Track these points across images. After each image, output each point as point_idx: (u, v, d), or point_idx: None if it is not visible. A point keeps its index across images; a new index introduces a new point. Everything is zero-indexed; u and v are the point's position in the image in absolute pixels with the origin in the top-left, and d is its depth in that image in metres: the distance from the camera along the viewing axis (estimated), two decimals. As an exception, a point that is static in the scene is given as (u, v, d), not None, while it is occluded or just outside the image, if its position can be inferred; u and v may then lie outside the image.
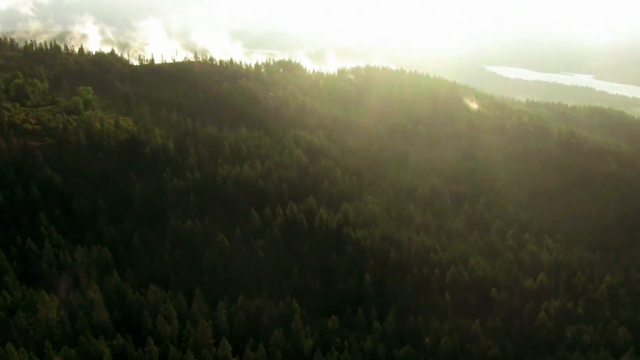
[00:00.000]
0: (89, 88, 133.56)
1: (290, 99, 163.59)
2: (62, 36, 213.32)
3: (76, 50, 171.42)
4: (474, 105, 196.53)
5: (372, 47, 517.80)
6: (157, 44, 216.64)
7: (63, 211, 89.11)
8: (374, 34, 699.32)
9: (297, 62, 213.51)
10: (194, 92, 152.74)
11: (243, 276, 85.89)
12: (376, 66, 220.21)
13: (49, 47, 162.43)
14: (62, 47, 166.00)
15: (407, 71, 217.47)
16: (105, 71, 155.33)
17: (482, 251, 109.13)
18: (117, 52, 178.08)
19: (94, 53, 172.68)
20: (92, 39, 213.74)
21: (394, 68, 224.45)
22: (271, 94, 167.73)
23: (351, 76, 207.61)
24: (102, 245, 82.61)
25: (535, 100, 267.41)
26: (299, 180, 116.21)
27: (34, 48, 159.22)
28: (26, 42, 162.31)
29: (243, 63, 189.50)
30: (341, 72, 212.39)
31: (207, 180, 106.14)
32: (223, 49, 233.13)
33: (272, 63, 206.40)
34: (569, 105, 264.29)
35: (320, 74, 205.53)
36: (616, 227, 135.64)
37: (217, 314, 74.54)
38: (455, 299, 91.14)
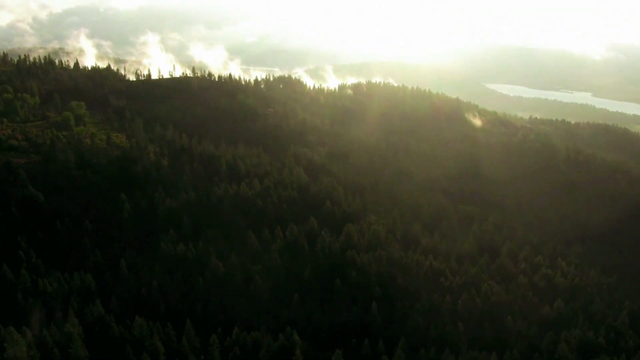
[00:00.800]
0: (82, 103, 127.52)
1: (291, 115, 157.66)
2: (59, 52, 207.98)
3: (72, 65, 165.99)
4: (477, 122, 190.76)
5: (372, 64, 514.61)
6: (154, 60, 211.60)
7: (45, 233, 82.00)
8: (373, 51, 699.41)
9: (297, 78, 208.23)
10: (191, 107, 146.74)
11: (239, 305, 78.38)
12: (377, 82, 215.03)
13: (43, 61, 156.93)
14: (57, 62, 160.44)
15: (409, 87, 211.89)
16: (100, 86, 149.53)
17: (494, 275, 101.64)
18: (114, 67, 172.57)
19: (89, 68, 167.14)
20: (89, 55, 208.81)
21: (395, 84, 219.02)
22: (270, 110, 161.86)
23: (352, 92, 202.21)
24: (85, 271, 75.31)
25: (538, 117, 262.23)
26: (299, 200, 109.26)
27: (27, 63, 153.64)
28: (19, 56, 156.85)
29: (242, 79, 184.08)
30: (342, 88, 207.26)
31: (201, 200, 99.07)
32: (222, 65, 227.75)
33: (271, 79, 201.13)
34: (572, 122, 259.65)
35: (320, 90, 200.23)
36: (631, 247, 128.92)
37: (209, 349, 66.97)
38: (468, 329, 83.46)
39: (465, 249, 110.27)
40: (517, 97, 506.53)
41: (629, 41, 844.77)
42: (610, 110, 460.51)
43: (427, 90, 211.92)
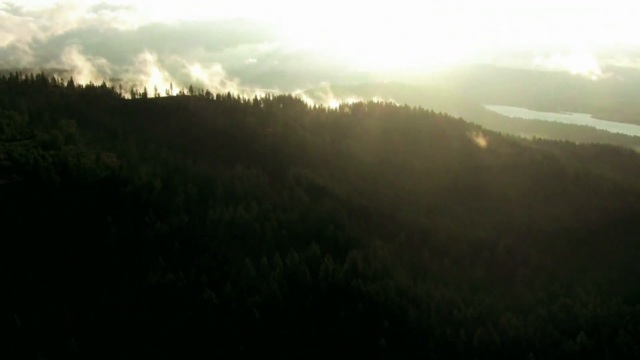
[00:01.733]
0: (72, 121, 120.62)
1: (291, 134, 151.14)
2: (54, 71, 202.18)
3: (66, 83, 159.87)
4: (482, 142, 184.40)
5: (371, 85, 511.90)
6: (152, 78, 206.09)
7: (22, 260, 74.29)
8: (372, 73, 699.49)
9: (298, 97, 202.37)
10: (188, 127, 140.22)
11: (234, 341, 70.25)
12: (379, 102, 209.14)
13: (35, 79, 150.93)
14: (50, 80, 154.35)
15: (411, 107, 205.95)
16: (94, 105, 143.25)
17: (510, 306, 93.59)
18: (110, 86, 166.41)
19: (83, 86, 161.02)
20: (85, 73, 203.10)
21: (397, 104, 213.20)
22: (270, 129, 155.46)
23: (353, 112, 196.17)
24: (62, 304, 67.39)
25: (542, 138, 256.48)
26: (300, 224, 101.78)
27: (19, 80, 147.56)
28: (11, 74, 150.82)
29: (241, 98, 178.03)
30: (343, 107, 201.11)
31: (194, 225, 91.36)
32: (220, 84, 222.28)
33: (271, 98, 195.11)
34: (576, 143, 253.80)
35: (321, 110, 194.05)
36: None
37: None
38: (486, 368, 75.39)
39: (478, 276, 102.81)
40: (517, 118, 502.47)
41: (627, 64, 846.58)
42: (611, 131, 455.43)
43: (429, 110, 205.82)
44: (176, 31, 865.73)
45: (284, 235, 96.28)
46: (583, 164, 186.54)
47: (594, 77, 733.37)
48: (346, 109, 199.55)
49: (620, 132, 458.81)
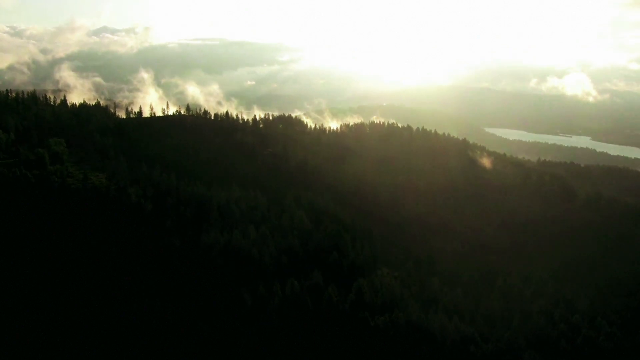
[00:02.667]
0: (61, 140, 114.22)
1: (291, 155, 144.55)
2: (49, 90, 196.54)
3: (58, 102, 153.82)
4: (487, 163, 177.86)
5: (370, 107, 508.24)
6: (148, 98, 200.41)
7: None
8: (371, 96, 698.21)
9: (298, 117, 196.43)
10: (183, 146, 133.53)
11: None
12: (381, 122, 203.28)
13: (26, 97, 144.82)
14: (41, 98, 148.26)
15: (414, 128, 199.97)
16: (86, 123, 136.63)
17: (530, 340, 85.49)
18: (104, 104, 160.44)
19: (77, 105, 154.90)
20: (79, 92, 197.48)
21: (400, 125, 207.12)
22: (269, 149, 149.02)
23: (355, 132, 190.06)
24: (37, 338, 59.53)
25: (546, 159, 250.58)
26: (301, 249, 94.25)
27: (9, 98, 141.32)
28: (0, 91, 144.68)
29: (240, 117, 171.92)
30: (344, 128, 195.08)
31: (187, 250, 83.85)
32: (218, 104, 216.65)
33: (271, 118, 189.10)
34: (582, 165, 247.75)
35: (322, 130, 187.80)
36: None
37: None
38: (510, 413, 67.13)
39: (493, 307, 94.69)
40: (517, 140, 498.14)
41: (623, 88, 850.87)
42: (611, 154, 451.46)
43: (432, 131, 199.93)
44: (176, 54, 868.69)
45: (284, 262, 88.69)
46: (592, 185, 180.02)
47: (591, 99, 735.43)
48: (347, 130, 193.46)
49: (621, 154, 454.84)
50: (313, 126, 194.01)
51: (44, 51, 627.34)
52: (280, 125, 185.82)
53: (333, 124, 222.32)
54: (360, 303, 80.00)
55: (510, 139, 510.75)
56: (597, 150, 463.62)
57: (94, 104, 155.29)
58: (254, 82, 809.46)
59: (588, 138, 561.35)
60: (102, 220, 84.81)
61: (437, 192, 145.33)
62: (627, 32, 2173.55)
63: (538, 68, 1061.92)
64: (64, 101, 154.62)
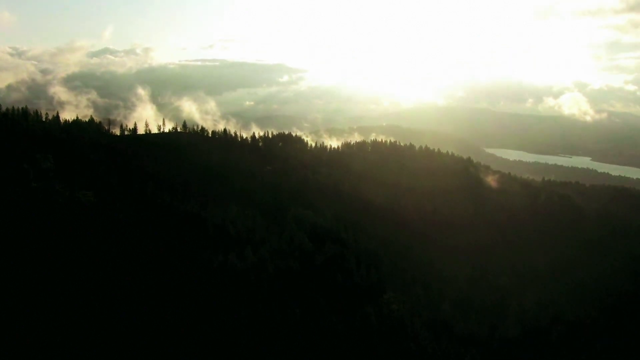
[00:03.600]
0: (49, 156, 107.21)
1: (291, 172, 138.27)
2: (43, 107, 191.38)
3: (50, 117, 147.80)
4: (494, 183, 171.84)
5: (369, 127, 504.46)
6: (144, 114, 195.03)
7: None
8: (370, 117, 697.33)
9: (299, 136, 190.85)
10: (178, 163, 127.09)
11: None
12: (383, 140, 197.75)
13: (16, 112, 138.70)
14: (32, 114, 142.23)
15: (417, 147, 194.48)
16: (78, 140, 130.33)
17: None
18: (98, 120, 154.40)
19: (70, 121, 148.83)
20: (73, 109, 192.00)
21: (402, 144, 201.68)
22: (269, 167, 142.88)
23: (357, 151, 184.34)
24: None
25: (551, 179, 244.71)
26: (302, 272, 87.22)
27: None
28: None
29: (238, 135, 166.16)
30: (346, 146, 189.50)
31: (178, 272, 76.72)
32: (216, 122, 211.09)
33: (270, 136, 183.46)
34: (587, 185, 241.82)
35: (323, 149, 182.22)
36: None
37: None
38: None
39: (509, 336, 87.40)
40: (518, 161, 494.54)
41: (620, 109, 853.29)
42: (613, 174, 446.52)
43: (435, 150, 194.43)
44: (176, 74, 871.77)
45: (284, 286, 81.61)
46: (602, 205, 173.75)
47: (589, 119, 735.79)
48: (349, 148, 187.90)
49: (622, 174, 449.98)
50: (313, 144, 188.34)
51: (44, 71, 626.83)
52: (280, 144, 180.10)
53: (333, 143, 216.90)
54: (367, 331, 72.78)
55: (511, 159, 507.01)
56: (599, 171, 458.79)
57: (86, 120, 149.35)
58: (252, 103, 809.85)
59: (588, 159, 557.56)
60: (86, 239, 77.78)
61: (444, 212, 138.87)
62: (621, 54, 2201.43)
63: (535, 88, 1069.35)
64: (57, 117, 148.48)
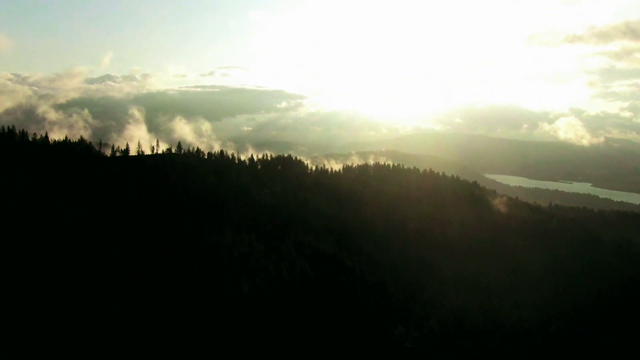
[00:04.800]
0: (31, 177, 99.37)
1: (291, 196, 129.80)
2: (37, 130, 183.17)
3: (38, 138, 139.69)
4: (503, 208, 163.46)
5: (369, 153, 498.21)
6: (138, 137, 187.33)
7: None
8: (369, 143, 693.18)
9: (299, 159, 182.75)
10: (171, 185, 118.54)
11: None
12: (386, 164, 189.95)
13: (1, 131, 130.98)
14: (18, 133, 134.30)
15: (421, 170, 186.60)
16: (64, 161, 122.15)
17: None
18: (88, 140, 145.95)
19: (58, 141, 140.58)
20: (66, 131, 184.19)
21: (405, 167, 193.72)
22: (267, 190, 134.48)
23: (359, 174, 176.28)
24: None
25: (558, 204, 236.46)
26: (304, 304, 77.83)
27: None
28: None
29: (235, 157, 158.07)
30: (348, 170, 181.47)
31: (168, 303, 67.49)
32: (213, 146, 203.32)
33: (269, 159, 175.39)
34: (595, 210, 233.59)
35: (323, 172, 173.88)
36: None
37: None
38: None
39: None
40: (518, 187, 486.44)
41: (617, 135, 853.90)
42: (615, 200, 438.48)
43: (440, 174, 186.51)
44: (175, 100, 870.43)
45: (284, 319, 72.16)
46: (617, 231, 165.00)
47: (587, 145, 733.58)
48: (350, 171, 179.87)
49: (625, 200, 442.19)
50: (313, 167, 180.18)
51: (44, 97, 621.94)
52: (279, 166, 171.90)
53: (334, 166, 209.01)
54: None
55: (511, 185, 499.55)
56: (600, 197, 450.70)
57: (76, 140, 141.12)
58: (250, 128, 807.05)
59: (589, 184, 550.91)
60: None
61: (453, 238, 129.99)
62: (616, 82, 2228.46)
63: (532, 114, 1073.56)
64: (45, 138, 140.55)
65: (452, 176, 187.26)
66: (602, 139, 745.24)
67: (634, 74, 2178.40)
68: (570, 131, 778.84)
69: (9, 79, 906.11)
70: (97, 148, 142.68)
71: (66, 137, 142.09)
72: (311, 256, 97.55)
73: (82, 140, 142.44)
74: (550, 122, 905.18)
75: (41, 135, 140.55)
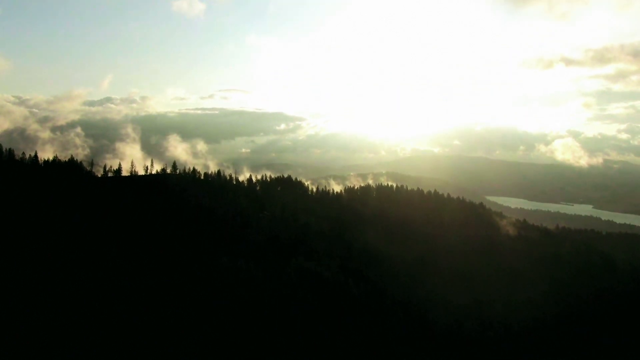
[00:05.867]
0: (14, 199, 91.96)
1: (291, 219, 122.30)
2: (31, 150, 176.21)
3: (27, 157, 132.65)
4: (512, 230, 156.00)
5: (369, 174, 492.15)
6: (131, 156, 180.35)
7: None
8: (368, 165, 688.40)
9: (299, 180, 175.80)
10: (163, 208, 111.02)
11: None
12: (389, 185, 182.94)
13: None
14: (4, 151, 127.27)
15: (425, 192, 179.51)
16: (52, 181, 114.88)
17: None
18: (79, 160, 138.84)
19: (47, 161, 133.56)
20: (55, 150, 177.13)
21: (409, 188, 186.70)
22: (266, 212, 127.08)
23: (362, 196, 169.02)
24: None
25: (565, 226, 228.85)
26: (308, 336, 69.83)
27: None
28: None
29: (233, 177, 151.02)
30: (349, 192, 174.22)
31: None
32: (209, 167, 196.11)
33: (268, 180, 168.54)
34: (603, 232, 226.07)
35: (325, 193, 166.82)
36: None
37: None
38: None
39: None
40: (519, 209, 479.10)
41: (615, 157, 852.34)
42: (618, 222, 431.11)
43: (445, 195, 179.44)
44: (175, 122, 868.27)
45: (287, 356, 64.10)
46: (628, 254, 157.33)
47: (586, 166, 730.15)
48: (353, 193, 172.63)
49: (627, 222, 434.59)
50: (314, 189, 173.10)
51: (43, 119, 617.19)
52: (279, 188, 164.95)
53: (335, 188, 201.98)
54: None
55: (512, 207, 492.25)
56: (603, 219, 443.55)
57: (66, 160, 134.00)
58: (249, 150, 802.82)
59: (590, 206, 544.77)
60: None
61: (461, 263, 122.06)
62: (612, 104, 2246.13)
63: (530, 136, 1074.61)
64: (35, 157, 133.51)
65: (458, 198, 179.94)
66: (600, 160, 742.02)
67: (631, 96, 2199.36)
68: (569, 153, 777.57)
69: (10, 101, 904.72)
70: (88, 167, 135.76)
71: (55, 157, 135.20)
72: (314, 283, 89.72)
73: (72, 159, 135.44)
74: (548, 144, 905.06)
75: (30, 155, 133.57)
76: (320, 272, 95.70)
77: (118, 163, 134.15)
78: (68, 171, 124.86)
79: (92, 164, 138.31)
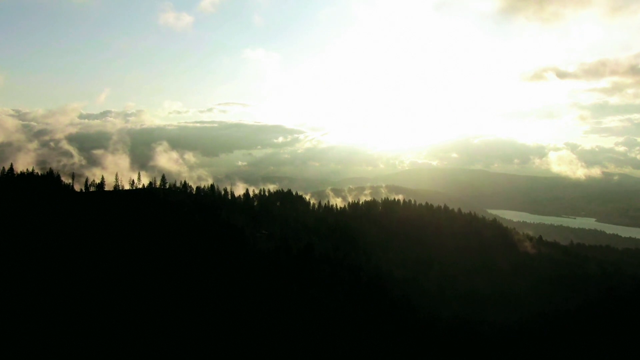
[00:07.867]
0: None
1: (292, 238, 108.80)
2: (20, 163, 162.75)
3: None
4: (527, 245, 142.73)
5: (370, 188, 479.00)
6: (124, 169, 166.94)
7: None
8: (369, 178, 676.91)
9: (300, 194, 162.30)
10: (149, 225, 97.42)
11: None
12: (395, 199, 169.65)
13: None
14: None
15: (434, 206, 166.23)
16: (25, 195, 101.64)
17: None
18: (57, 172, 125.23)
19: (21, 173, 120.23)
20: (35, 162, 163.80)
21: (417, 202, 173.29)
22: (264, 231, 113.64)
23: (367, 211, 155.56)
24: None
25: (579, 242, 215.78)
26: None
27: None
28: None
29: (228, 192, 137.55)
30: (354, 207, 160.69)
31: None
32: (204, 181, 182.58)
33: (267, 194, 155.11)
34: (619, 248, 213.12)
35: (328, 209, 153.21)
36: None
37: None
38: None
39: None
40: (522, 222, 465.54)
41: (614, 170, 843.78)
42: (622, 235, 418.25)
43: (455, 210, 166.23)
44: (173, 135, 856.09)
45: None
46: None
47: (585, 179, 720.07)
48: (357, 209, 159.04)
49: (632, 235, 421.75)
50: (316, 204, 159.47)
51: (39, 132, 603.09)
52: (278, 203, 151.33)
53: (338, 202, 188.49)
54: None
55: (515, 220, 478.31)
56: (607, 233, 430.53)
57: (43, 172, 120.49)
58: (246, 163, 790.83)
59: (593, 219, 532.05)
60: None
61: (479, 284, 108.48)
62: (609, 117, 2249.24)
63: (528, 149, 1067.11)
64: (10, 169, 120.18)
65: (470, 212, 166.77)
66: (599, 173, 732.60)
67: (627, 110, 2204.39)
68: (567, 165, 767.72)
69: (9, 115, 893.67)
70: (67, 181, 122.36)
71: (32, 169, 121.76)
72: (316, 312, 76.11)
73: (50, 172, 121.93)
74: (547, 156, 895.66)
75: (3, 168, 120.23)
76: (324, 300, 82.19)
77: (101, 176, 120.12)
78: (42, 184, 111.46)
79: (73, 176, 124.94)
